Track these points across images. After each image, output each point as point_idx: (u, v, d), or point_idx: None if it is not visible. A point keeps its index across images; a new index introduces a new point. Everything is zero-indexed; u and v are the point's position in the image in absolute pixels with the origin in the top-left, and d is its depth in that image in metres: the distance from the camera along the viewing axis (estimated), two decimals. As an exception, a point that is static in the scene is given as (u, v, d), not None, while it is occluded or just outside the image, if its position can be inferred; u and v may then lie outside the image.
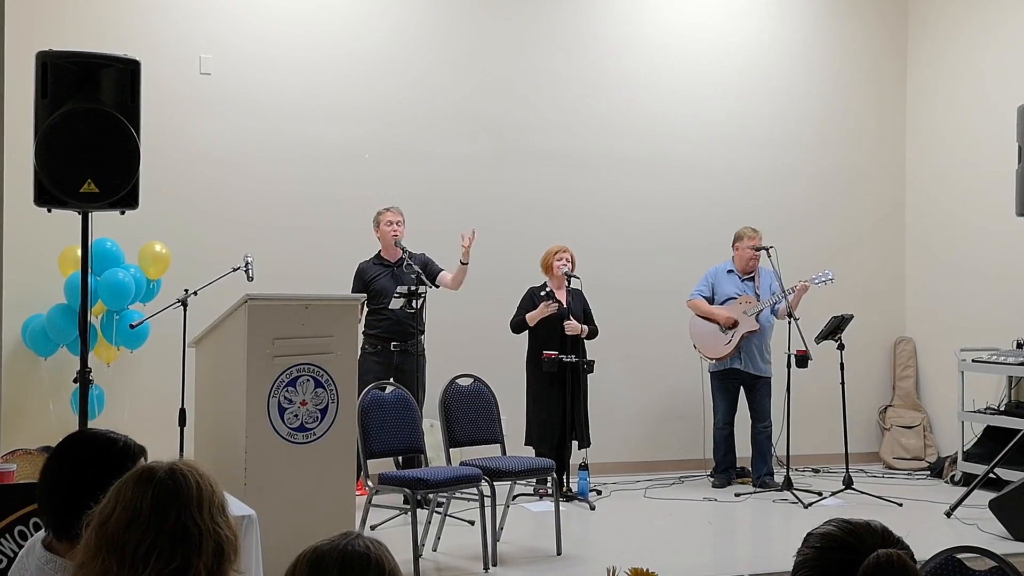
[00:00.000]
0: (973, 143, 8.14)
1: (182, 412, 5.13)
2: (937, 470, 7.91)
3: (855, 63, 8.67)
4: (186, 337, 5.22)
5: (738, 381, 7.40)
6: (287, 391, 4.68)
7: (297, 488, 4.68)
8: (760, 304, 7.25)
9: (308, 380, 4.76)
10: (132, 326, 5.92)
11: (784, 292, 7.11)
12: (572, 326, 6.87)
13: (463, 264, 6.71)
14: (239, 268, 5.50)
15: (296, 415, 4.71)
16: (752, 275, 7.45)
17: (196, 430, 4.92)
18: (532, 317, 6.89)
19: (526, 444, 6.91)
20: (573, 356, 6.82)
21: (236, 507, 3.83)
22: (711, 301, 7.44)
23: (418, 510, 5.10)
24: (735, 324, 7.24)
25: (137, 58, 4.59)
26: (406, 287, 6.39)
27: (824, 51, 8.61)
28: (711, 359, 7.41)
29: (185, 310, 5.28)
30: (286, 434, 4.67)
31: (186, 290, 5.33)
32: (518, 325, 6.99)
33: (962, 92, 8.29)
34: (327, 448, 4.79)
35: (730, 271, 7.49)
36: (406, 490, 5.02)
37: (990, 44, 8.07)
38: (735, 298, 7.36)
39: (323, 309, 4.91)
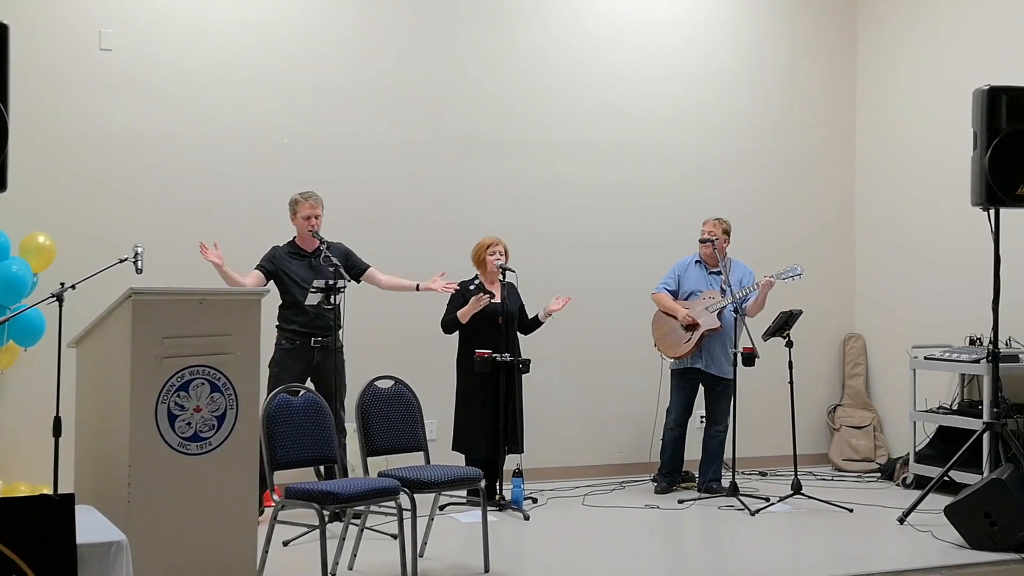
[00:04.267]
0: (926, 130, 7.82)
1: (56, 420, 4.60)
2: (888, 472, 7.59)
3: (804, 47, 8.32)
4: (62, 337, 4.68)
5: (698, 381, 7.00)
6: (178, 396, 4.21)
7: (191, 504, 4.23)
8: (722, 300, 6.79)
9: (203, 384, 4.28)
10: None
11: (752, 287, 6.73)
12: (555, 306, 6.59)
13: (416, 288, 6.38)
14: (126, 259, 4.96)
15: (189, 423, 4.24)
16: (720, 269, 6.94)
17: (76, 440, 4.41)
18: (464, 313, 6.42)
19: (453, 450, 6.45)
20: (508, 355, 6.38)
21: (104, 531, 3.35)
22: (676, 295, 7.03)
23: (334, 523, 4.64)
24: (695, 325, 6.83)
25: (5, 21, 4.08)
26: (323, 281, 5.90)
27: (773, 35, 8.25)
28: (670, 358, 7.00)
29: (61, 306, 4.71)
30: (177, 444, 4.21)
31: (62, 284, 4.78)
32: (449, 324, 6.52)
33: (915, 77, 7.97)
34: (225, 459, 4.34)
35: (698, 262, 7.05)
36: (315, 505, 4.53)
37: (943, 27, 7.75)
38: (699, 292, 6.96)
39: (220, 304, 4.43)
